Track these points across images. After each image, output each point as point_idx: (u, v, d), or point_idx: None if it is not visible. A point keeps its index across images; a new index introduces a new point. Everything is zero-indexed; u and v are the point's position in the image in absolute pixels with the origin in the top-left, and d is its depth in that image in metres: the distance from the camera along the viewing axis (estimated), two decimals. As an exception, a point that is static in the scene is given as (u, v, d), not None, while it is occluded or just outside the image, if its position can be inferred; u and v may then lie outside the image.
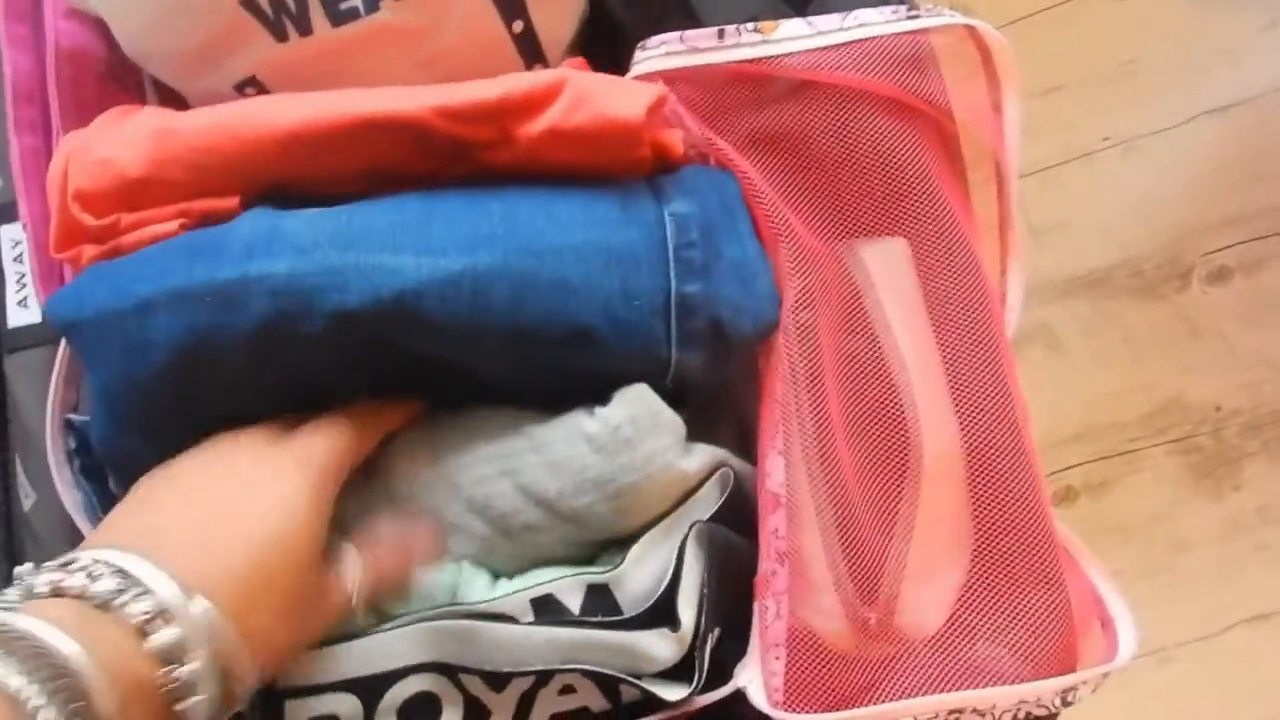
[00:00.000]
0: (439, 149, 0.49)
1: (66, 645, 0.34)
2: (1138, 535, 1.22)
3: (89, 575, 0.37)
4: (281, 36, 0.53)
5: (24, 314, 0.60)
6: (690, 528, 0.50)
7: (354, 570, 0.46)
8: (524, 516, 0.49)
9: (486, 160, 0.50)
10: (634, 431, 0.48)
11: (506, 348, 0.47)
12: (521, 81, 0.49)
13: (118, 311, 0.46)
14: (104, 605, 0.37)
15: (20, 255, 0.60)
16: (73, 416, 0.51)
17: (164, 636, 0.37)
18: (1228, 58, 1.28)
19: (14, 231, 0.60)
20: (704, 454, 0.51)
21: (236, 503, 0.42)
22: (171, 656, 0.37)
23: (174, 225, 0.48)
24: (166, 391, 0.47)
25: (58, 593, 0.37)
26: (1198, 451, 1.24)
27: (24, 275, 0.60)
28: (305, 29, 0.53)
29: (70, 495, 0.51)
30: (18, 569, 0.39)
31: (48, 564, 0.38)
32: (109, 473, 0.51)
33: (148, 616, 0.37)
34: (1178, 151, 1.28)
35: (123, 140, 0.49)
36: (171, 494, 0.43)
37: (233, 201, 0.48)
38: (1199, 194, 1.27)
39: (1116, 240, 1.26)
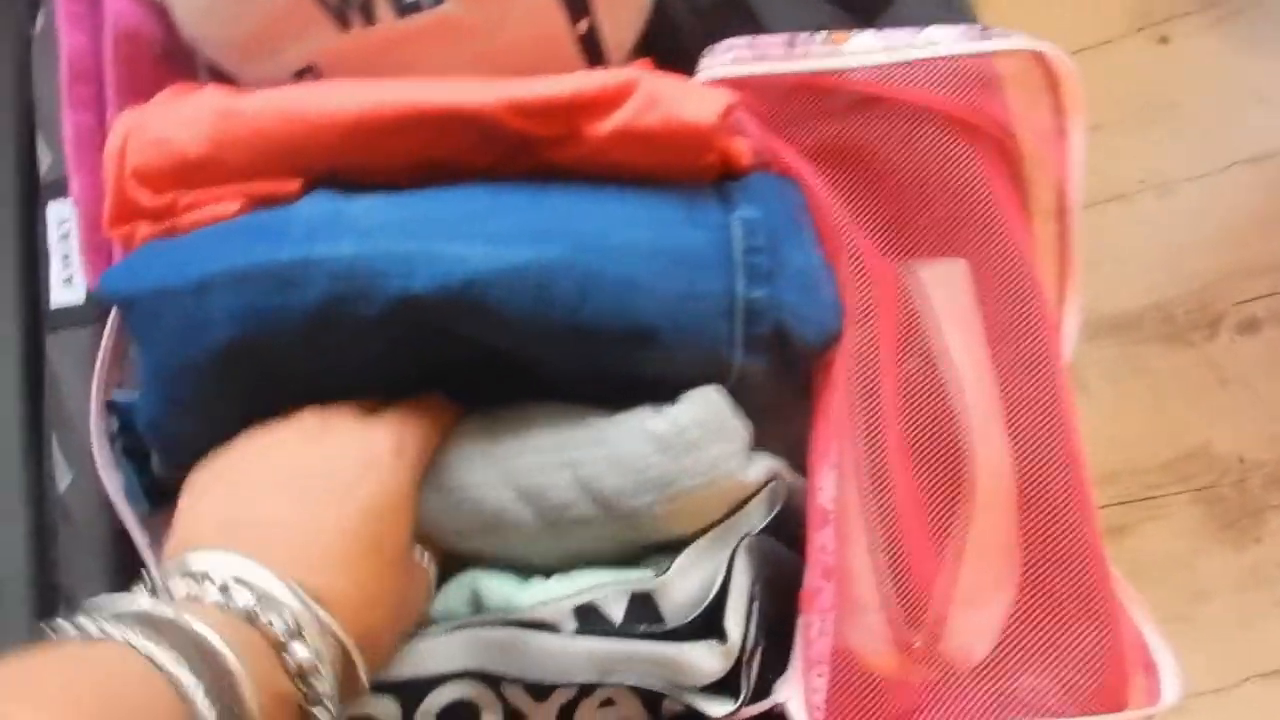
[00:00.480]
0: (504, 144, 0.49)
1: (228, 654, 0.35)
2: (1155, 582, 1.20)
3: (223, 588, 0.38)
4: (345, 25, 0.53)
5: (68, 293, 0.60)
6: (741, 539, 0.49)
7: (428, 564, 0.47)
8: (578, 510, 0.47)
9: (551, 157, 0.49)
10: (701, 434, 0.47)
11: (568, 343, 0.47)
12: (593, 80, 0.48)
13: (175, 289, 0.45)
14: (249, 618, 0.37)
15: (66, 234, 0.60)
16: (116, 396, 0.50)
17: (301, 654, 0.38)
18: (1267, 107, 1.28)
19: (60, 210, 0.60)
20: (764, 464, 0.50)
21: (341, 498, 0.42)
22: (306, 671, 0.38)
23: (234, 206, 0.47)
24: (220, 373, 0.46)
25: (195, 599, 0.38)
26: (1220, 501, 1.22)
27: (69, 255, 0.60)
28: (370, 18, 0.52)
29: (111, 478, 0.50)
30: (148, 575, 0.40)
31: (170, 566, 0.39)
32: (154, 453, 0.50)
33: (287, 632, 0.38)
34: (1213, 198, 1.27)
35: (182, 120, 0.48)
36: (270, 487, 0.43)
37: (294, 185, 0.48)
38: (1232, 241, 1.26)
39: (1148, 284, 1.26)
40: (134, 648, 0.33)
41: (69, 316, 0.60)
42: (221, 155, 0.48)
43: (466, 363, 0.48)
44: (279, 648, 0.37)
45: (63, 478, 0.58)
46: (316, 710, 0.38)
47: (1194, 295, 1.26)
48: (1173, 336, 1.25)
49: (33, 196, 0.63)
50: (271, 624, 0.37)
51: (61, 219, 0.60)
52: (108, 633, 0.34)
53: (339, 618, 0.39)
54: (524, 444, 0.48)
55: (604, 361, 0.47)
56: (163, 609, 0.36)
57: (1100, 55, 1.30)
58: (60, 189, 0.59)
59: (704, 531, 0.49)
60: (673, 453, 0.47)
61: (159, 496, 0.50)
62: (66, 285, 0.60)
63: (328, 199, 0.47)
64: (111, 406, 0.51)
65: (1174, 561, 1.22)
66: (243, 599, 0.37)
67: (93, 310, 0.59)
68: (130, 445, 0.50)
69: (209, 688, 0.33)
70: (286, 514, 0.41)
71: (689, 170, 0.50)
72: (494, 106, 0.47)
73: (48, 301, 0.61)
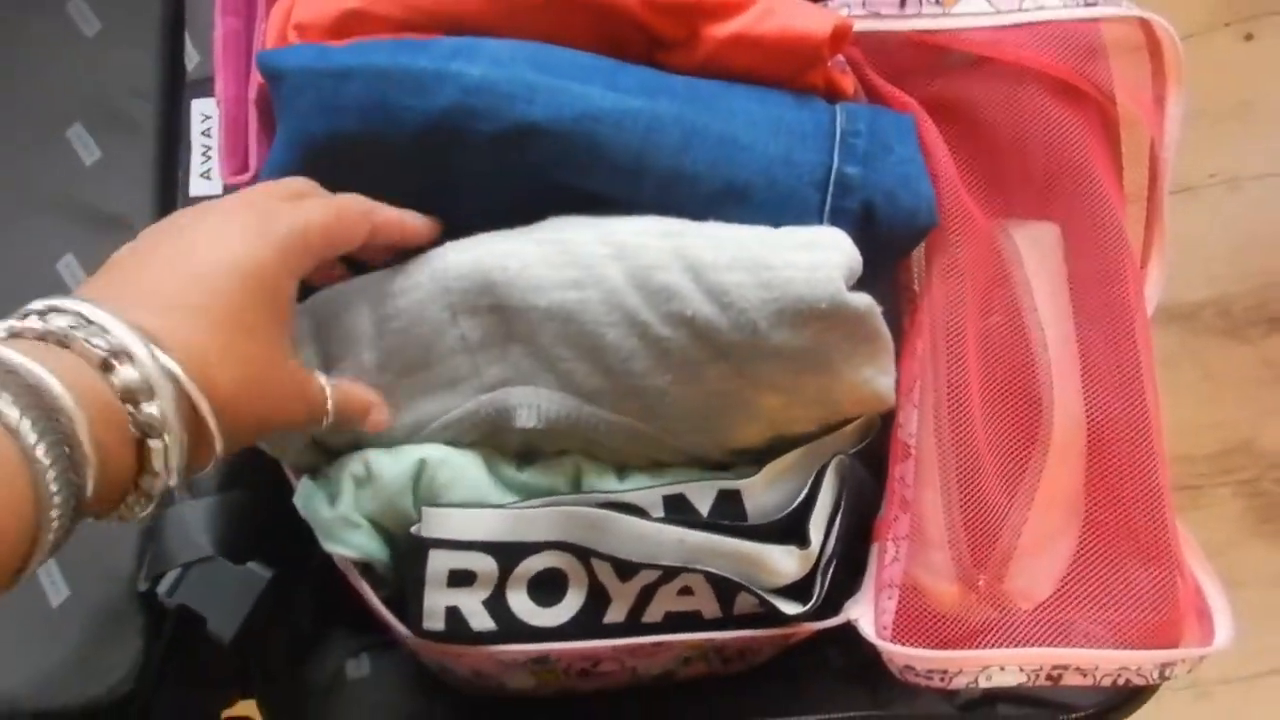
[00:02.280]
0: (627, 41, 0.52)
1: (26, 362, 0.34)
2: (1190, 570, 1.22)
3: (42, 318, 0.37)
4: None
5: (205, 185, 0.63)
6: (832, 457, 0.52)
7: (328, 387, 0.47)
8: (668, 275, 0.48)
9: (668, 62, 0.53)
10: (811, 238, 0.49)
11: (665, 189, 0.50)
12: None
13: (320, 70, 0.49)
14: (64, 340, 0.36)
15: (208, 130, 0.63)
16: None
17: (126, 374, 0.36)
18: (1344, 111, 1.29)
19: (204, 106, 0.63)
20: (869, 299, 0.49)
21: (195, 255, 0.42)
22: (136, 395, 0.37)
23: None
24: (337, 156, 0.50)
25: (15, 334, 0.37)
26: (1262, 496, 1.24)
27: (209, 149, 0.63)
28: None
29: None
30: None
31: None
32: None
33: (107, 352, 0.36)
34: (1281, 198, 1.28)
35: None
36: (134, 250, 0.43)
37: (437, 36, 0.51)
38: (1298, 242, 1.28)
39: (1209, 276, 1.27)
40: None
41: (206, 207, 0.63)
42: (376, 8, 0.52)
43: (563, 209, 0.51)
44: (103, 369, 0.36)
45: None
46: (153, 442, 0.37)
47: (1254, 293, 1.27)
48: (1230, 331, 1.26)
49: (178, 90, 0.67)
50: (91, 344, 0.36)
51: (205, 115, 0.63)
52: None
53: (175, 354, 0.38)
54: (628, 219, 0.50)
55: (696, 216, 0.50)
56: None
57: (1184, 47, 1.30)
58: (205, 88, 0.62)
59: (788, 447, 0.52)
60: (777, 244, 0.48)
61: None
62: (204, 179, 0.63)
63: (469, 38, 0.51)
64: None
65: (1211, 551, 1.22)
66: (61, 321, 0.36)
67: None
68: None
69: (16, 398, 0.33)
70: (141, 270, 0.41)
71: (798, 84, 0.53)
72: None
73: (186, 191, 0.64)
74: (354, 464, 0.51)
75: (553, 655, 0.52)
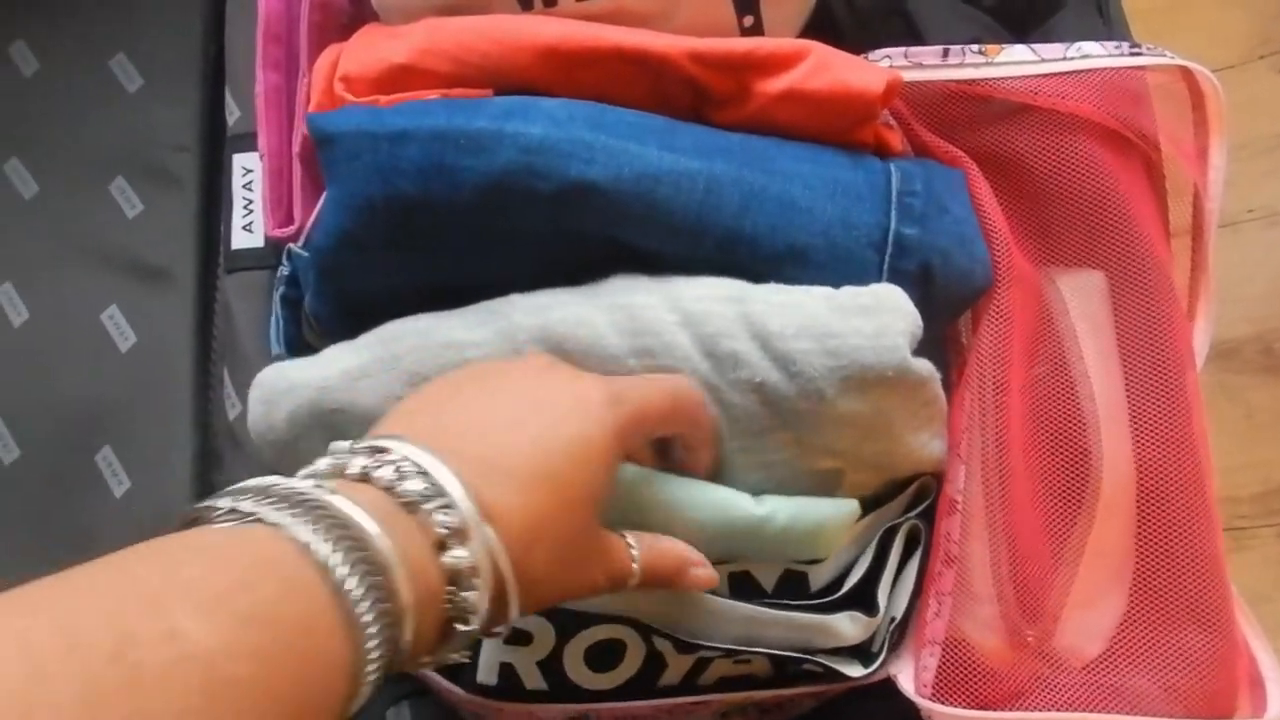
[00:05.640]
0: (676, 96, 0.52)
1: (378, 536, 0.34)
2: (1236, 614, 1.20)
3: (398, 471, 0.36)
4: (528, 6, 0.56)
5: (248, 237, 0.63)
6: (898, 521, 0.51)
7: (636, 548, 0.45)
8: (735, 343, 0.47)
9: (716, 117, 0.52)
10: (873, 302, 0.48)
11: (724, 251, 0.49)
12: (769, 42, 0.52)
13: (374, 134, 0.48)
14: (411, 506, 0.36)
15: (250, 183, 0.64)
16: (293, 247, 0.54)
17: (458, 556, 0.36)
18: (1384, 147, 1.27)
19: (246, 160, 0.64)
20: (929, 364, 0.48)
21: (542, 426, 0.41)
22: (460, 577, 0.36)
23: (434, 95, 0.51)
24: (394, 219, 0.49)
25: (365, 478, 0.37)
26: (1307, 539, 1.22)
27: (251, 202, 0.64)
28: (552, 1, 0.55)
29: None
30: (334, 444, 0.39)
31: (359, 445, 0.38)
32: (305, 289, 0.53)
33: (448, 532, 0.36)
34: (1323, 233, 1.26)
35: (393, 34, 0.53)
36: (481, 403, 0.42)
37: (487, 92, 0.51)
38: (1340, 278, 1.26)
39: (1249, 314, 1.25)
40: (284, 530, 0.32)
41: (248, 259, 0.63)
42: (424, 63, 0.52)
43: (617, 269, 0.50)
44: (438, 546, 0.36)
45: (233, 409, 0.62)
46: (459, 626, 0.37)
47: (1297, 329, 1.25)
48: (1271, 369, 1.24)
49: (218, 144, 0.67)
50: (434, 516, 0.36)
51: (246, 169, 0.64)
52: (261, 516, 0.33)
53: (504, 538, 0.37)
54: (693, 281, 0.49)
55: (754, 278, 0.49)
56: (320, 491, 0.34)
57: (1222, 79, 1.29)
58: (246, 143, 0.63)
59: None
60: (842, 310, 0.47)
61: (295, 347, 0.54)
62: (246, 231, 0.63)
63: (521, 97, 0.50)
64: (289, 254, 0.54)
65: (1257, 596, 1.21)
66: (413, 485, 0.36)
67: (270, 255, 0.62)
68: (290, 295, 0.54)
69: (362, 578, 0.32)
70: (485, 426, 0.40)
71: (847, 140, 0.53)
72: (677, 52, 0.51)
73: (228, 243, 0.64)
74: None
75: (593, 714, 0.51)
